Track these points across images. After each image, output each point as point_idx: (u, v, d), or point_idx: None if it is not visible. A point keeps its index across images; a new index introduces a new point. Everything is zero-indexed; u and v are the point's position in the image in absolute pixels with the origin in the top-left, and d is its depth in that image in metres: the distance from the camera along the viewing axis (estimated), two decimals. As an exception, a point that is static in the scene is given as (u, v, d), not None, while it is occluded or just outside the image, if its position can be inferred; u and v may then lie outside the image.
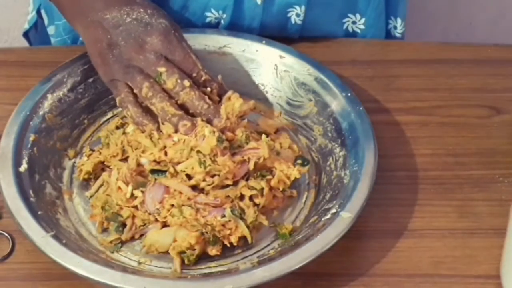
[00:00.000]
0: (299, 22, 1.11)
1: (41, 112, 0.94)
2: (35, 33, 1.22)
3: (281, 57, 1.02)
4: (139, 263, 0.86)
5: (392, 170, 0.96)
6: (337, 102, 0.96)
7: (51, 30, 1.17)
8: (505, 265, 0.84)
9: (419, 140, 1.00)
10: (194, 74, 0.92)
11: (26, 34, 1.24)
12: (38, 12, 1.19)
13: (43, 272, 0.85)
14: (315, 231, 0.84)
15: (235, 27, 1.09)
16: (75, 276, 0.81)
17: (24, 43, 1.24)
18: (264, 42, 1.03)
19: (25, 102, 0.94)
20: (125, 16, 0.93)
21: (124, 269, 0.83)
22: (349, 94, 0.96)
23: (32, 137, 0.92)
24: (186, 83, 0.90)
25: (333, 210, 0.86)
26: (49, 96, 0.95)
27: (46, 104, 0.95)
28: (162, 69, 0.90)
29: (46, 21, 1.18)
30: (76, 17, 0.97)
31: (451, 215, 0.92)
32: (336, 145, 0.94)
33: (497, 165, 0.97)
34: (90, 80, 0.99)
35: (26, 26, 1.22)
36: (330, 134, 0.96)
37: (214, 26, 1.10)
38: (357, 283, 0.86)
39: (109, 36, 0.92)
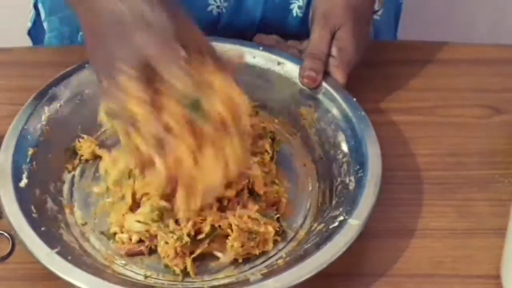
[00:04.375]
0: (300, 15, 1.11)
1: (38, 125, 0.93)
2: (34, 29, 1.22)
3: (279, 63, 1.01)
4: (146, 276, 0.85)
5: (392, 170, 0.95)
6: (338, 108, 0.96)
7: (47, 24, 1.17)
8: (505, 265, 0.84)
9: (419, 140, 1.00)
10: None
11: (29, 32, 1.24)
12: (36, 7, 1.19)
13: (43, 272, 0.84)
14: (324, 239, 0.84)
15: (237, 17, 1.09)
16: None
17: (24, 43, 1.24)
18: (261, 48, 1.02)
19: (22, 114, 0.93)
20: (126, 9, 0.81)
21: (133, 284, 0.82)
22: (350, 99, 0.96)
23: (30, 151, 0.91)
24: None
25: (341, 218, 0.85)
26: (46, 108, 0.94)
27: (43, 117, 0.94)
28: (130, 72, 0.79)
29: (42, 15, 1.18)
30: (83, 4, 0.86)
31: (451, 215, 0.92)
32: (339, 151, 0.94)
33: (497, 165, 0.97)
34: (87, 91, 0.97)
35: (29, 24, 1.22)
36: (332, 140, 0.95)
37: (215, 16, 1.10)
38: (357, 283, 0.86)
39: (104, 27, 0.82)
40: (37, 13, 1.19)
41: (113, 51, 0.80)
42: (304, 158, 0.97)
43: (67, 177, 0.94)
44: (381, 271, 0.87)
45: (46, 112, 0.94)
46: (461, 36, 1.21)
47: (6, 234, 0.88)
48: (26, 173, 0.89)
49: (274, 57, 1.01)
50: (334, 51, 0.99)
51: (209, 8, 1.09)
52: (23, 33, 1.25)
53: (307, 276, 0.80)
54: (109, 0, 0.81)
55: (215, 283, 0.84)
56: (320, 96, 0.98)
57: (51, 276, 0.84)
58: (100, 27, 0.82)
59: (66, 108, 0.96)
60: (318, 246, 0.82)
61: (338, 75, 0.98)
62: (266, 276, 0.81)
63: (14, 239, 0.88)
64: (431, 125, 1.02)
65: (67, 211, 0.91)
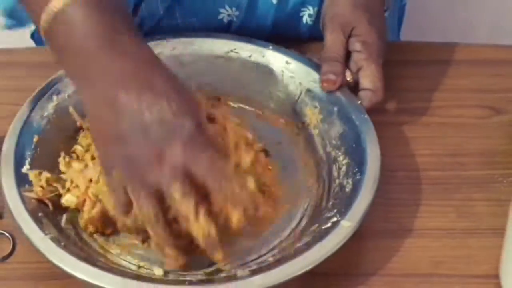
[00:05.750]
0: (311, 23, 1.11)
1: (45, 113, 0.94)
2: (38, 32, 1.22)
3: (287, 63, 1.01)
4: (139, 267, 0.86)
5: (392, 170, 0.96)
6: (342, 110, 0.96)
7: None
8: (504, 265, 0.85)
9: (419, 140, 1.00)
10: (221, 183, 0.78)
11: (33, 36, 1.24)
12: None
13: (44, 272, 0.85)
14: (315, 239, 0.84)
15: (247, 25, 1.09)
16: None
17: (28, 44, 1.25)
18: (270, 47, 1.02)
19: (30, 102, 0.94)
20: (145, 109, 0.77)
21: (124, 273, 0.82)
22: (354, 102, 0.96)
23: (35, 138, 0.92)
24: (201, 214, 0.79)
25: (334, 219, 0.85)
26: (54, 97, 0.95)
27: (51, 106, 0.95)
28: (176, 194, 0.77)
29: None
30: (82, 81, 0.83)
31: (450, 215, 0.92)
32: (340, 153, 0.94)
33: (496, 165, 0.97)
34: None
35: (33, 26, 1.23)
36: (334, 142, 0.95)
37: (226, 24, 1.10)
38: (357, 283, 0.86)
39: (120, 127, 0.78)
40: None
41: (143, 166, 0.78)
42: (306, 158, 0.97)
43: None
44: (380, 271, 0.87)
45: (54, 101, 0.95)
46: (461, 36, 1.22)
47: (7, 234, 0.89)
48: (29, 159, 0.90)
49: (282, 56, 1.02)
50: (358, 46, 0.97)
51: (220, 16, 1.09)
52: (26, 33, 1.25)
53: (293, 275, 0.80)
54: (132, 99, 0.78)
55: (205, 277, 0.84)
56: (325, 97, 0.98)
57: (52, 276, 0.84)
58: (122, 127, 0.78)
59: (74, 99, 0.96)
60: (308, 246, 0.83)
61: (371, 66, 0.96)
62: (253, 272, 0.82)
63: (15, 239, 0.88)
64: (431, 125, 1.02)
65: None
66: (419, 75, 1.08)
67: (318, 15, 1.10)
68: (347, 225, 0.84)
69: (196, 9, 1.09)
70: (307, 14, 1.10)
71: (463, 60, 1.10)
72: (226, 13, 1.09)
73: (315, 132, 0.98)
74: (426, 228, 0.91)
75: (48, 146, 0.93)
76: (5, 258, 0.87)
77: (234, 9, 1.09)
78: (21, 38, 1.25)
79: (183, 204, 0.77)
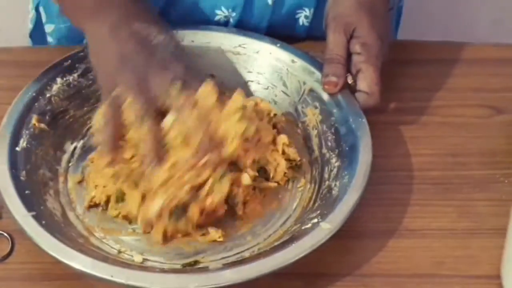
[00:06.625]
0: (307, 24, 1.11)
1: (48, 95, 0.95)
2: (35, 32, 1.22)
3: (293, 61, 1.01)
4: (119, 252, 0.86)
5: (392, 170, 0.96)
6: (340, 112, 0.96)
7: (49, 28, 1.17)
8: (506, 265, 0.84)
9: (419, 140, 1.00)
10: None
11: (31, 35, 1.23)
12: (37, 9, 1.19)
13: (43, 272, 0.85)
14: (291, 239, 0.84)
15: (243, 27, 1.09)
16: (76, 276, 0.81)
17: (24, 43, 1.24)
18: (278, 45, 1.03)
19: (33, 83, 0.95)
20: (155, 34, 0.90)
21: (97, 255, 0.82)
22: (354, 105, 0.96)
23: (35, 118, 0.93)
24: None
25: (315, 220, 0.85)
26: (58, 79, 0.96)
27: (55, 87, 0.96)
28: (178, 84, 0.87)
29: (44, 19, 1.18)
30: (93, 13, 0.93)
31: (451, 215, 0.92)
32: (334, 155, 0.94)
33: (497, 165, 0.97)
34: None
35: (30, 26, 1.22)
36: (329, 144, 0.95)
37: (222, 25, 1.10)
38: (357, 283, 0.86)
39: (130, 46, 0.89)
40: (38, 16, 1.19)
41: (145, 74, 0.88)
42: (302, 158, 0.97)
43: (68, 147, 0.96)
44: (381, 271, 0.87)
45: (59, 83, 0.96)
46: (461, 36, 1.21)
47: (5, 234, 0.88)
48: (26, 138, 0.91)
49: (289, 54, 1.02)
50: (358, 48, 0.97)
51: (217, 18, 1.09)
52: (23, 33, 1.25)
53: (262, 273, 0.80)
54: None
55: (177, 266, 0.84)
56: (326, 99, 0.98)
57: (51, 277, 0.84)
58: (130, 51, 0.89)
59: (79, 82, 0.98)
60: (283, 245, 0.83)
61: (369, 69, 0.96)
62: (225, 267, 0.82)
63: (14, 239, 0.88)
64: (431, 125, 1.02)
65: (60, 179, 0.93)
66: (420, 74, 1.08)
67: (314, 16, 1.09)
68: (326, 227, 0.83)
69: (191, 10, 1.09)
70: (303, 16, 1.10)
71: (464, 59, 1.10)
72: (222, 14, 1.09)
73: (313, 132, 0.98)
74: (427, 228, 0.91)
75: (47, 127, 0.94)
76: (4, 258, 0.87)
77: (230, 10, 1.08)
78: (17, 37, 1.24)
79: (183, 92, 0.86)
